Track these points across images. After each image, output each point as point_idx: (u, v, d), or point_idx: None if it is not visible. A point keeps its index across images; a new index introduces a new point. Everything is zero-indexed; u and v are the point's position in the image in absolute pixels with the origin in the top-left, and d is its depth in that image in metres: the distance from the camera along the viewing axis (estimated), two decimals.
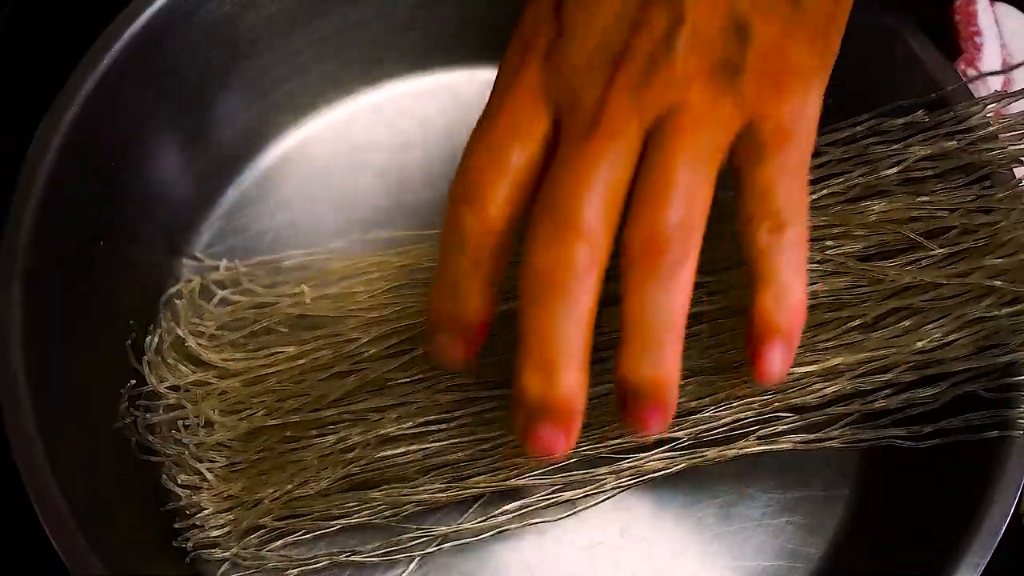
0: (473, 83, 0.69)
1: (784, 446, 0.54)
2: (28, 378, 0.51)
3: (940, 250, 0.52)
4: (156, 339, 0.59)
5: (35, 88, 0.58)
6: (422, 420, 0.53)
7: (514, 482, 0.54)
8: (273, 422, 0.55)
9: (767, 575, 0.57)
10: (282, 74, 0.66)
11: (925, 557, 0.52)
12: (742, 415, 0.54)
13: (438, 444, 0.53)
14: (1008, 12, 0.70)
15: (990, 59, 0.67)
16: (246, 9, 0.62)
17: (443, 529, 0.55)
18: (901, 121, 0.54)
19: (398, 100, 0.69)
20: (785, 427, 0.54)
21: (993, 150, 0.53)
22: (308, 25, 0.65)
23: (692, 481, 0.58)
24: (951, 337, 0.51)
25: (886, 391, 0.53)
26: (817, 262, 0.52)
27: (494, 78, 0.45)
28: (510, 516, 0.55)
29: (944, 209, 0.53)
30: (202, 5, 0.60)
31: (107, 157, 0.59)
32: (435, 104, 0.69)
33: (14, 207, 0.54)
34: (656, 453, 0.54)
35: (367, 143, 0.68)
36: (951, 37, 0.69)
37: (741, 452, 0.54)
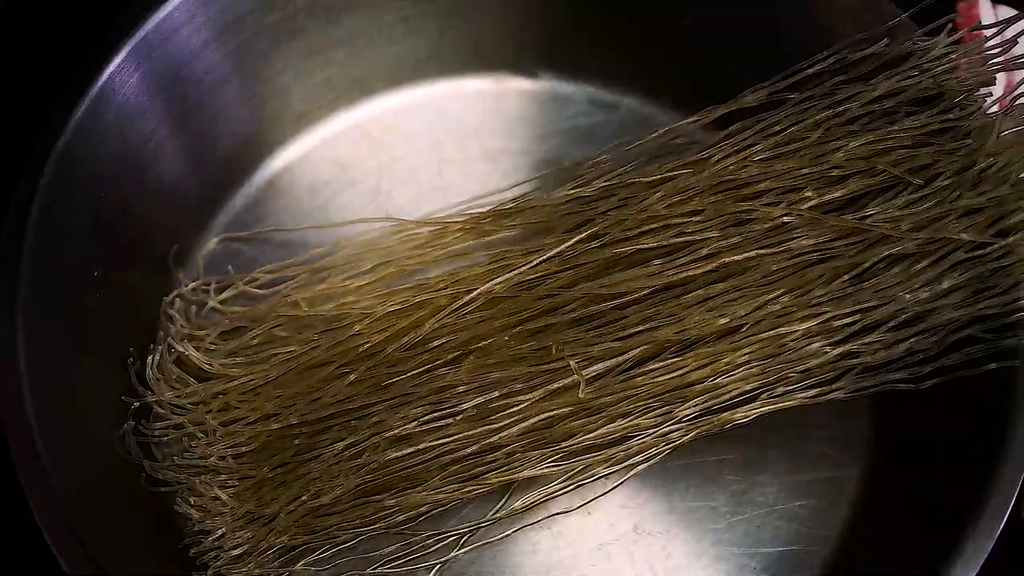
0: (456, 95, 0.70)
1: (791, 403, 0.53)
2: (34, 404, 0.51)
3: (918, 182, 0.51)
4: (157, 356, 0.59)
5: (33, 92, 0.58)
6: (428, 416, 0.52)
7: (527, 473, 0.54)
8: (277, 426, 0.54)
9: (784, 560, 0.57)
10: (264, 96, 0.66)
11: (938, 534, 0.51)
12: (746, 380, 0.53)
13: (446, 440, 0.53)
14: (1010, 14, 0.69)
15: None
16: (222, 33, 0.62)
17: (462, 529, 0.55)
18: (868, 51, 0.55)
19: (382, 116, 0.69)
20: (790, 387, 0.53)
21: (956, 78, 0.53)
22: (287, 45, 0.65)
23: (702, 472, 0.58)
24: (945, 284, 0.51)
25: (886, 339, 0.52)
26: (797, 215, 0.52)
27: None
28: (527, 507, 0.55)
29: (915, 145, 0.52)
30: (174, 33, 0.60)
31: (105, 174, 0.58)
32: (419, 118, 0.69)
33: (10, 231, 0.54)
34: (665, 427, 0.53)
35: (354, 159, 0.68)
36: None
37: (749, 416, 0.53)
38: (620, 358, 0.50)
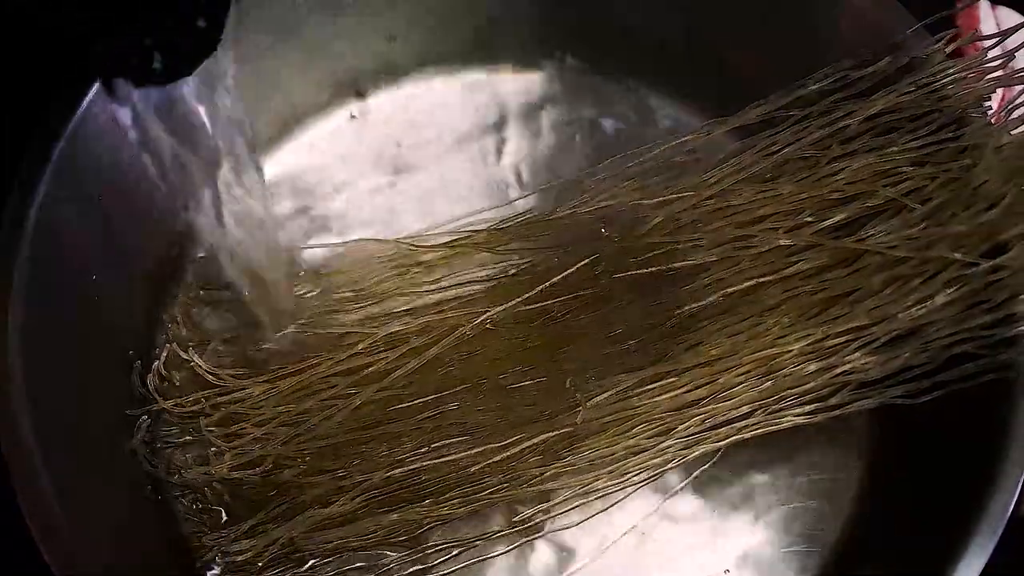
0: (456, 87, 0.69)
1: (788, 424, 0.54)
2: (32, 415, 0.50)
3: (917, 206, 0.51)
4: (158, 363, 0.59)
5: (28, 99, 0.57)
6: (439, 444, 0.53)
7: (530, 490, 0.54)
8: (285, 438, 0.55)
9: (786, 561, 0.58)
10: (264, 90, 0.65)
11: (940, 535, 0.52)
12: (743, 402, 0.54)
13: (451, 458, 0.53)
14: (1010, 16, 0.69)
15: None
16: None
17: (465, 541, 0.56)
18: (869, 70, 0.54)
19: (383, 108, 0.69)
20: (787, 405, 0.54)
21: (957, 92, 0.53)
22: (288, 39, 0.65)
23: (701, 474, 0.58)
24: (939, 301, 0.51)
25: (880, 356, 0.52)
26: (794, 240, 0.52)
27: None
28: (529, 525, 0.56)
29: (915, 164, 0.52)
30: None
31: (101, 179, 0.57)
32: (420, 112, 0.69)
33: (6, 238, 0.53)
34: (664, 448, 0.54)
35: (353, 156, 0.68)
36: None
37: (747, 435, 0.54)
38: (620, 386, 0.51)
